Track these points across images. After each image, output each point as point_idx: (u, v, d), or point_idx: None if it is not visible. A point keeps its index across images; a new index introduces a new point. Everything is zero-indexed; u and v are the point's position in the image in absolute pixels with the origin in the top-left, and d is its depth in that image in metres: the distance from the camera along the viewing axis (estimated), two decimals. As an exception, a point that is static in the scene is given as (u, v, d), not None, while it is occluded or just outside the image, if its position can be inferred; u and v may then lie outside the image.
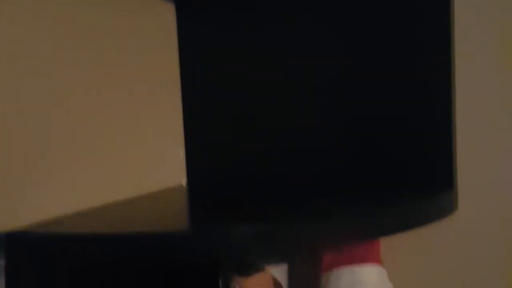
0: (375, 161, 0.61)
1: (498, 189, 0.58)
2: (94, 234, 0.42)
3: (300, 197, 0.58)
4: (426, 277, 0.61)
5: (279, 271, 0.62)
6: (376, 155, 0.61)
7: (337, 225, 0.45)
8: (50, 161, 0.51)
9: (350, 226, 0.46)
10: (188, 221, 0.53)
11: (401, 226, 0.50)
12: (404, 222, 0.50)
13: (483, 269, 0.59)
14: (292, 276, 0.63)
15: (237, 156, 0.68)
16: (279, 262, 0.62)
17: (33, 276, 0.48)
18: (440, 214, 0.55)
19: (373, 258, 0.57)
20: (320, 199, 0.56)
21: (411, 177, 0.59)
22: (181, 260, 0.43)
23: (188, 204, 0.59)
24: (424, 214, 0.53)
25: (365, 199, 0.54)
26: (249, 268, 0.61)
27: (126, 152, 0.60)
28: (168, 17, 0.68)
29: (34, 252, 0.44)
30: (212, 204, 0.58)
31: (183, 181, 0.68)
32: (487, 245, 0.59)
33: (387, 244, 0.60)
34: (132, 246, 0.41)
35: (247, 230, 0.42)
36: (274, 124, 0.66)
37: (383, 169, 0.60)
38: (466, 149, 0.59)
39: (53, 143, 0.51)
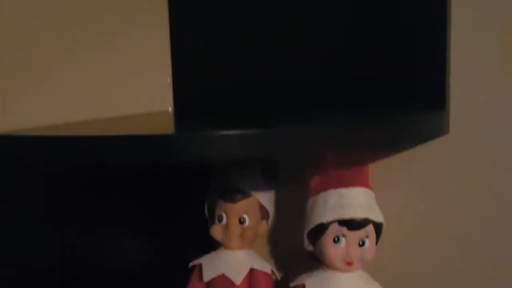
0: (368, 79, 0.60)
1: (491, 114, 0.58)
2: (80, 136, 0.42)
3: (289, 113, 0.58)
4: (415, 201, 0.61)
5: (266, 198, 0.62)
6: (369, 74, 0.60)
7: (322, 131, 0.44)
8: (35, 72, 0.52)
9: (336, 134, 0.45)
10: (174, 128, 0.53)
11: (392, 140, 0.50)
12: (394, 137, 0.50)
13: (473, 194, 0.59)
14: (278, 203, 0.63)
15: (224, 83, 0.68)
16: (267, 188, 0.62)
17: (14, 180, 0.48)
18: (431, 135, 0.55)
19: (361, 181, 0.57)
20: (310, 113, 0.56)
21: (403, 97, 0.58)
22: (167, 165, 0.43)
23: (174, 122, 0.59)
24: (415, 132, 0.53)
25: (355, 114, 0.54)
26: (235, 194, 0.61)
27: (112, 73, 0.60)
28: None
29: (16, 155, 0.44)
30: (198, 121, 0.59)
31: (170, 108, 0.67)
32: (479, 171, 0.58)
33: (375, 169, 0.60)
34: (117, 149, 0.41)
35: (231, 132, 0.42)
36: (263, 48, 0.65)
37: (377, 88, 0.60)
38: (460, 71, 0.58)
39: (40, 54, 0.52)
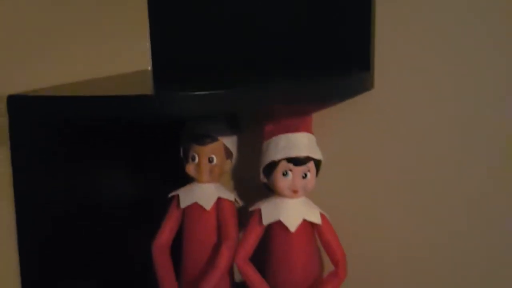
0: (305, 44, 0.73)
1: (413, 70, 0.71)
2: (80, 96, 0.54)
3: (249, 75, 0.70)
4: (346, 143, 0.75)
5: (230, 141, 0.75)
6: (306, 39, 0.72)
7: (272, 91, 0.58)
8: (46, 41, 0.63)
9: (286, 92, 0.59)
10: (153, 87, 0.65)
11: (327, 96, 0.64)
12: (329, 93, 0.64)
13: (393, 140, 0.73)
14: (240, 145, 0.76)
15: (200, 44, 0.78)
16: (231, 133, 0.75)
17: (30, 133, 0.60)
18: (358, 91, 0.68)
19: (305, 128, 0.71)
20: (265, 76, 0.69)
21: (334, 59, 0.71)
22: (148, 121, 0.55)
23: (153, 81, 0.70)
24: (345, 88, 0.66)
25: (297, 75, 0.67)
26: (205, 138, 0.73)
27: (98, 40, 0.71)
28: None
29: (31, 112, 0.56)
30: (174, 81, 0.70)
31: (149, 67, 0.78)
32: (399, 120, 0.72)
33: (316, 118, 0.73)
34: (107, 106, 0.53)
35: (201, 93, 0.54)
36: (236, 10, 0.76)
37: (314, 53, 0.73)
38: (385, 33, 0.71)
39: (51, 27, 0.63)
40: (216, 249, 0.73)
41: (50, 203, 0.63)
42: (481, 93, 0.69)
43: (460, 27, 0.69)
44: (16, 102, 0.56)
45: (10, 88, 0.58)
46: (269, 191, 0.72)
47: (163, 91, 0.61)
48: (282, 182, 0.69)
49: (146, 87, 0.68)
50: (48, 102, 0.57)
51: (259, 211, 0.71)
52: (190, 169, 0.73)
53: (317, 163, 0.70)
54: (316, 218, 0.70)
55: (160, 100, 0.55)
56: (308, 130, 0.71)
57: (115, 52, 0.73)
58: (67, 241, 0.66)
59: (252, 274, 0.70)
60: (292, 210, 0.70)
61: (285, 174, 0.69)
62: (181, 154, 0.75)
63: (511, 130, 0.69)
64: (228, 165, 0.75)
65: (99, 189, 0.71)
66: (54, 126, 0.63)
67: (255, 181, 0.73)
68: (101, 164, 0.71)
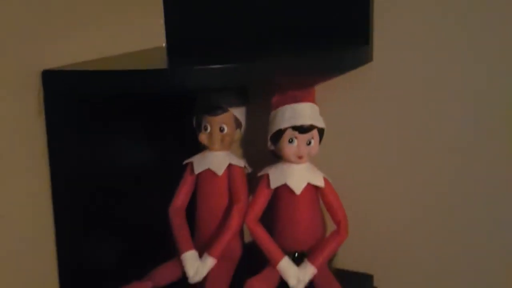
0: (309, 20, 0.78)
1: (411, 44, 0.76)
2: (105, 70, 0.60)
3: (257, 50, 0.76)
4: (347, 112, 0.81)
5: (239, 112, 0.80)
6: (309, 15, 0.78)
7: (281, 64, 0.64)
8: (73, 20, 0.69)
9: (290, 66, 0.65)
10: (167, 62, 0.71)
11: (327, 69, 0.70)
12: (328, 66, 0.70)
13: (392, 108, 0.79)
14: (249, 116, 0.81)
15: (211, 20, 0.83)
16: (240, 105, 0.80)
17: (62, 105, 0.66)
18: (357, 63, 0.74)
19: (309, 98, 0.76)
20: (271, 50, 0.74)
21: (335, 34, 0.77)
22: (164, 93, 0.61)
23: (167, 57, 0.76)
24: (344, 62, 0.72)
25: (301, 50, 0.72)
26: (216, 109, 0.79)
27: (114, 19, 0.76)
28: None
29: (63, 86, 0.62)
30: (187, 56, 0.76)
31: (163, 44, 0.84)
32: (398, 91, 0.78)
33: (319, 90, 0.79)
34: (127, 80, 0.59)
35: (214, 66, 0.60)
36: None
37: (316, 28, 0.78)
38: (384, 8, 0.76)
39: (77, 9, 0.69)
40: (227, 211, 0.79)
41: (80, 167, 0.70)
42: (480, 65, 0.74)
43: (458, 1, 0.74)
44: (50, 77, 0.62)
45: (40, 65, 0.64)
46: (276, 157, 0.78)
47: (177, 66, 0.67)
48: (288, 149, 0.75)
49: (162, 62, 0.74)
50: (79, 77, 0.63)
51: (267, 176, 0.77)
52: (203, 138, 0.79)
53: (320, 131, 0.76)
54: (319, 182, 0.76)
55: (174, 74, 0.61)
56: (311, 100, 0.76)
57: (131, 30, 0.79)
58: (95, 202, 0.73)
59: (261, 234, 0.77)
60: (298, 175, 0.76)
61: (291, 141, 0.75)
62: (194, 124, 0.81)
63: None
64: (238, 134, 0.81)
65: (123, 155, 0.78)
66: (83, 98, 0.69)
67: (263, 149, 0.79)
68: (124, 134, 0.78)
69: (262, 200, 0.78)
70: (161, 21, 0.84)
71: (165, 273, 0.78)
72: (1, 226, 0.62)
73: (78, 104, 0.68)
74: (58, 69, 0.63)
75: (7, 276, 0.63)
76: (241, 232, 0.81)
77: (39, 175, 0.66)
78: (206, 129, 0.79)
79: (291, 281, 0.74)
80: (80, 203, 0.70)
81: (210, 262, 0.76)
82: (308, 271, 0.75)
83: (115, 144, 0.76)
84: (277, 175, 0.76)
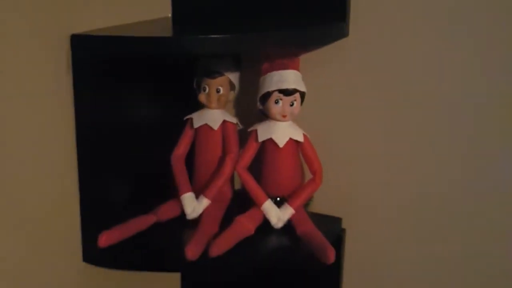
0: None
1: (384, 21, 0.89)
2: (124, 36, 0.73)
3: (247, 24, 0.88)
4: (325, 79, 0.94)
5: (234, 76, 0.93)
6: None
7: (269, 36, 0.77)
8: None
9: (277, 38, 0.78)
10: (173, 31, 0.83)
11: (309, 41, 0.84)
12: (310, 39, 0.83)
13: (366, 77, 0.92)
14: (241, 79, 0.94)
15: None
16: (234, 70, 0.93)
17: (87, 65, 0.78)
18: (334, 38, 0.87)
19: (294, 66, 0.89)
20: (261, 23, 0.87)
21: (316, 11, 0.89)
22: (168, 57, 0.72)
23: (172, 26, 0.88)
24: (324, 35, 0.85)
25: (287, 24, 0.85)
26: (214, 73, 0.91)
27: None
28: None
29: (88, 48, 0.74)
30: (190, 26, 0.88)
31: (169, 14, 0.96)
32: (370, 62, 0.91)
33: (302, 59, 0.91)
34: (140, 45, 0.73)
35: (211, 36, 0.73)
36: None
37: (298, 7, 0.90)
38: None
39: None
40: (221, 160, 0.92)
41: (99, 117, 0.83)
42: (453, 38, 0.86)
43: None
44: (77, 40, 0.75)
45: (68, 30, 0.76)
46: (264, 115, 0.91)
47: (180, 35, 0.79)
48: (274, 109, 0.88)
49: (168, 31, 0.86)
50: (101, 41, 0.76)
51: (256, 131, 0.90)
52: (202, 97, 0.91)
53: (302, 95, 0.89)
54: (299, 137, 0.89)
55: (178, 42, 0.73)
56: (296, 68, 0.89)
57: (142, 2, 0.90)
58: (111, 147, 0.86)
59: (249, 180, 0.90)
60: (281, 131, 0.89)
61: (276, 102, 0.88)
62: (195, 85, 0.93)
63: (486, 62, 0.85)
64: (232, 95, 0.93)
65: (134, 110, 0.90)
66: (103, 59, 0.81)
67: (253, 108, 0.92)
68: (136, 91, 0.90)
69: (251, 151, 0.91)
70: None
71: (167, 210, 0.91)
72: (32, 166, 0.75)
73: (99, 64, 0.80)
74: (84, 34, 0.76)
75: (38, 206, 0.77)
76: (231, 179, 0.95)
77: (66, 122, 0.79)
78: (204, 90, 0.91)
79: (273, 219, 0.88)
80: (98, 147, 0.83)
81: (205, 202, 0.90)
82: (287, 211, 0.89)
83: (128, 100, 0.88)
84: (264, 131, 0.90)
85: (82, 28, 0.78)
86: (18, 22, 0.69)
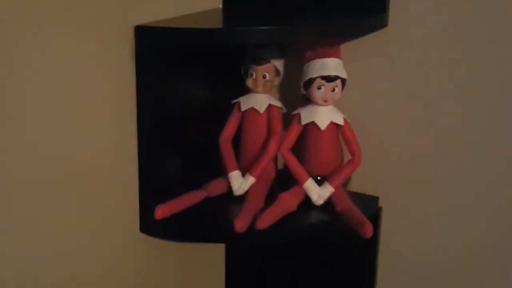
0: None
1: (427, 9, 0.93)
2: (181, 27, 0.81)
3: (293, 15, 0.94)
4: (365, 67, 1.00)
5: (279, 63, 0.98)
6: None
7: (313, 27, 0.83)
8: None
9: (322, 29, 0.84)
10: (223, 23, 0.90)
11: (350, 32, 0.89)
12: (348, 29, 0.88)
13: (403, 65, 0.97)
14: (286, 66, 1.00)
15: None
16: (280, 57, 0.98)
17: (151, 57, 0.85)
18: (374, 28, 0.92)
19: (335, 54, 0.95)
20: (306, 16, 0.92)
21: (356, 3, 0.94)
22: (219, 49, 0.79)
23: (223, 17, 0.95)
24: (364, 27, 0.91)
25: (329, 16, 0.91)
26: (260, 60, 0.97)
27: None
28: None
29: (152, 39, 0.82)
30: (239, 17, 0.94)
31: (220, 5, 1.03)
32: (407, 53, 0.96)
33: (344, 47, 0.97)
34: (196, 36, 0.80)
35: (259, 28, 0.80)
36: None
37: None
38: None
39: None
40: (265, 141, 0.99)
41: (158, 101, 0.90)
42: (491, 32, 0.90)
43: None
44: (140, 31, 0.82)
45: (132, 21, 0.84)
46: (307, 100, 0.97)
47: (232, 26, 0.86)
48: (317, 94, 0.94)
49: (217, 23, 0.93)
50: (162, 32, 0.83)
51: (299, 114, 0.97)
52: (249, 83, 0.98)
53: (343, 81, 0.95)
54: (340, 121, 0.95)
55: (230, 33, 0.80)
56: (337, 56, 0.95)
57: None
58: (168, 128, 0.93)
59: (292, 160, 0.97)
60: (323, 114, 0.95)
61: (319, 88, 0.94)
62: (242, 71, 1.00)
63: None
64: (277, 81, 0.99)
65: (189, 94, 0.98)
66: (164, 48, 0.88)
67: (296, 93, 0.98)
68: (190, 77, 0.97)
69: (294, 133, 0.97)
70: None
71: (216, 186, 0.99)
72: (97, 143, 0.83)
73: (157, 51, 0.87)
74: (147, 25, 0.83)
75: (100, 180, 0.85)
76: (275, 160, 1.02)
77: (128, 104, 0.87)
78: (252, 75, 0.97)
79: (314, 196, 0.95)
80: (156, 127, 0.90)
81: (250, 180, 0.97)
82: (327, 190, 0.96)
83: (184, 85, 0.95)
84: (306, 114, 0.96)
85: (143, 19, 0.86)
86: (88, 14, 0.77)
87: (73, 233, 0.81)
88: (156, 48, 0.86)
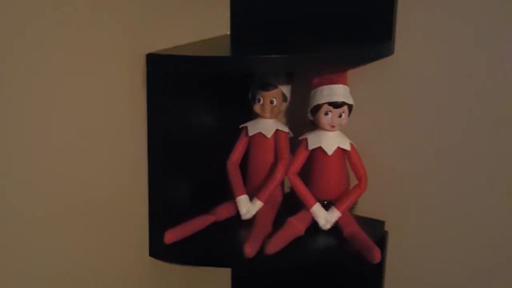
0: (341, 19, 0.98)
1: (432, 37, 0.95)
2: (191, 56, 0.83)
3: (301, 43, 0.96)
4: (370, 93, 1.01)
5: (286, 89, 1.01)
6: (342, 15, 0.98)
7: (321, 55, 0.85)
8: (162, 16, 0.89)
9: (328, 57, 0.86)
10: (232, 51, 0.92)
11: (357, 59, 0.91)
12: (356, 57, 0.90)
13: (409, 93, 0.99)
14: (293, 92, 1.02)
15: (268, 13, 1.03)
16: (287, 83, 1.00)
17: (162, 84, 0.87)
18: (380, 56, 0.94)
19: (342, 81, 0.96)
20: (314, 43, 0.94)
21: (363, 31, 0.96)
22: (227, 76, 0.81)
23: (231, 44, 0.96)
24: (370, 55, 0.92)
25: (337, 44, 0.93)
26: (268, 86, 0.99)
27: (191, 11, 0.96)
28: None
29: (163, 67, 0.83)
30: (248, 44, 0.96)
31: (228, 32, 1.04)
32: (413, 78, 0.98)
33: (350, 76, 0.99)
34: (204, 64, 0.82)
35: (267, 56, 0.81)
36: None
37: (347, 27, 0.98)
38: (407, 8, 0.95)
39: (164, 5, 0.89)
40: (273, 166, 1.00)
41: (167, 127, 0.91)
42: (497, 57, 0.92)
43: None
44: (151, 59, 0.84)
45: (143, 49, 0.86)
46: (314, 126, 0.98)
47: (239, 55, 0.88)
48: (324, 120, 0.96)
49: (226, 50, 0.94)
50: (172, 59, 0.84)
51: (306, 139, 0.98)
52: (257, 108, 1.00)
53: (350, 107, 0.96)
54: (346, 146, 0.97)
55: (239, 61, 0.82)
56: (344, 82, 0.97)
57: (204, 22, 0.98)
58: (176, 153, 0.94)
59: (300, 184, 0.98)
60: (330, 140, 0.97)
61: (326, 114, 0.95)
62: (250, 97, 1.01)
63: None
64: (284, 106, 1.01)
65: (197, 119, 0.99)
66: (173, 74, 0.90)
67: (303, 119, 0.99)
68: (199, 103, 0.99)
69: (301, 158, 0.99)
70: (227, 13, 1.04)
71: (224, 210, 1.00)
72: (109, 168, 0.84)
73: (167, 78, 0.89)
74: (158, 53, 0.85)
75: (111, 204, 0.86)
76: (282, 184, 1.03)
77: (139, 130, 0.88)
78: (259, 101, 0.99)
79: (321, 221, 0.96)
80: (165, 152, 0.92)
81: (258, 204, 0.98)
82: (334, 214, 0.97)
83: (192, 111, 0.97)
84: (314, 140, 0.97)
85: (154, 47, 0.87)
86: (100, 43, 0.79)
87: (83, 257, 0.81)
88: (166, 75, 0.88)
